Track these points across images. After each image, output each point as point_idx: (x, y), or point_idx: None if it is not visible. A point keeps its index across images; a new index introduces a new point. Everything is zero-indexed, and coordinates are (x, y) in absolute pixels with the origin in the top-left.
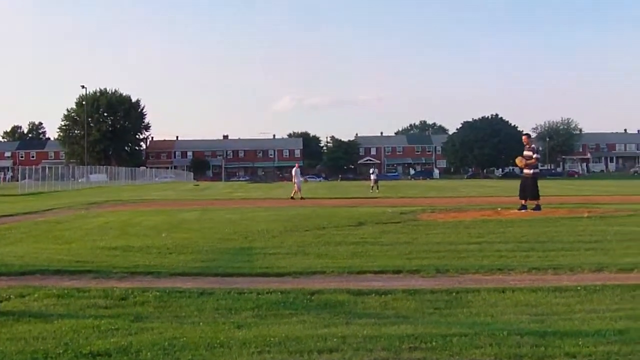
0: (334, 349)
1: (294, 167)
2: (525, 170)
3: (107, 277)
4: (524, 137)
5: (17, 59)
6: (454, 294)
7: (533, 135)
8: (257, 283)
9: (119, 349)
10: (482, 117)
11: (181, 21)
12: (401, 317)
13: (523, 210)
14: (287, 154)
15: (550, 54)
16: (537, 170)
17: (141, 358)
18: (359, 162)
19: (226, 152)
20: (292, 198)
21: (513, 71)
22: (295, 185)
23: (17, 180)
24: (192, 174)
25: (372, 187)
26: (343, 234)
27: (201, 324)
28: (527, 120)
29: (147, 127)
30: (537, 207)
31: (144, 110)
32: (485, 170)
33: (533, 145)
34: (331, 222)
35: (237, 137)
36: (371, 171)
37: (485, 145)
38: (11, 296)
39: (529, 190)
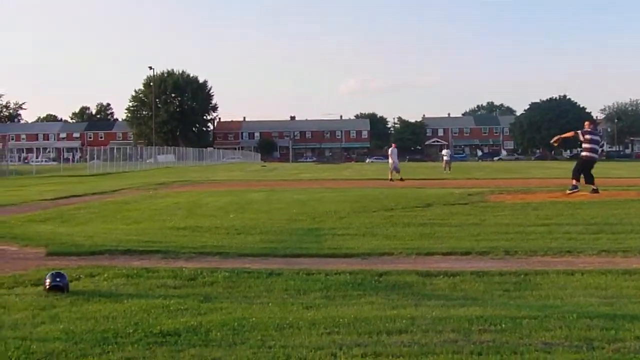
0: (403, 330)
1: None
2: (583, 153)
3: (176, 257)
4: (586, 123)
5: (86, 40)
6: (522, 276)
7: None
8: (326, 264)
9: (189, 329)
10: (550, 99)
11: (249, 1)
12: (470, 299)
13: (594, 193)
14: (355, 135)
15: (619, 34)
16: (590, 154)
17: (211, 338)
18: (426, 143)
19: (293, 133)
20: (390, 180)
21: (581, 52)
22: (391, 165)
23: (86, 161)
24: (259, 154)
25: (445, 167)
26: (411, 215)
27: (270, 304)
28: (595, 101)
29: (214, 108)
30: (574, 187)
31: (211, 91)
32: (553, 152)
33: (594, 133)
34: (399, 204)
35: (304, 118)
36: (444, 152)
37: (553, 127)
38: (81, 276)
39: (582, 172)
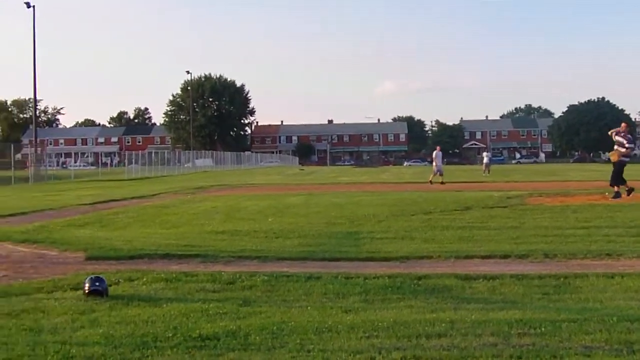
0: (442, 333)
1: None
2: (613, 157)
3: (215, 261)
4: (623, 124)
5: (123, 45)
6: (562, 279)
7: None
8: (364, 268)
9: (228, 333)
10: (588, 101)
11: (285, 5)
12: (509, 302)
13: (629, 195)
14: (392, 138)
15: None
16: (625, 158)
17: (250, 342)
18: (463, 146)
19: (331, 137)
20: (441, 183)
21: (619, 54)
22: (435, 168)
23: (124, 165)
24: (297, 158)
25: (485, 170)
26: (450, 219)
27: (309, 308)
28: (634, 103)
29: (252, 112)
30: (617, 195)
31: (248, 95)
32: (591, 154)
33: (629, 135)
34: (437, 207)
35: (341, 122)
36: (484, 154)
37: (592, 129)
38: (120, 280)
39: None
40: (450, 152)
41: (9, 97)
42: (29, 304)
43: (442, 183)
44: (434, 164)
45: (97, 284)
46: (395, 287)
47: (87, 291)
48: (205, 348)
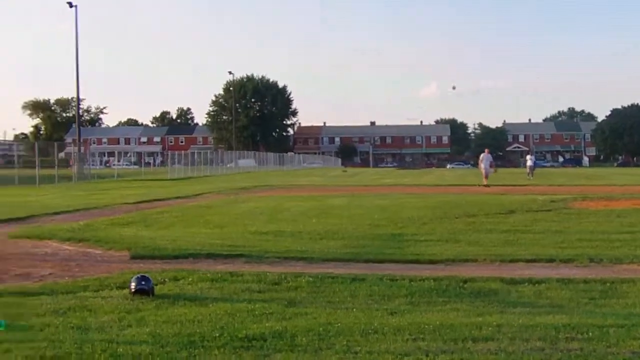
0: (489, 337)
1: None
2: None
3: (260, 261)
4: None
5: (166, 45)
6: (608, 284)
7: None
8: (409, 270)
9: (274, 334)
10: (632, 104)
11: (330, 5)
12: (556, 307)
13: None
14: (435, 140)
15: None
16: None
17: (296, 343)
18: (507, 149)
19: (373, 138)
20: (485, 186)
21: None
22: (484, 170)
23: (166, 165)
24: (339, 160)
25: (529, 173)
26: (493, 222)
27: (354, 310)
28: None
29: (294, 113)
30: None
31: (290, 96)
32: (635, 159)
33: None
34: (481, 210)
35: (384, 123)
36: (527, 157)
37: (635, 133)
38: (166, 280)
39: None
40: (494, 154)
41: (52, 96)
42: (75, 302)
43: (486, 186)
44: (481, 166)
45: (143, 283)
46: (440, 290)
47: (133, 290)
48: (252, 348)
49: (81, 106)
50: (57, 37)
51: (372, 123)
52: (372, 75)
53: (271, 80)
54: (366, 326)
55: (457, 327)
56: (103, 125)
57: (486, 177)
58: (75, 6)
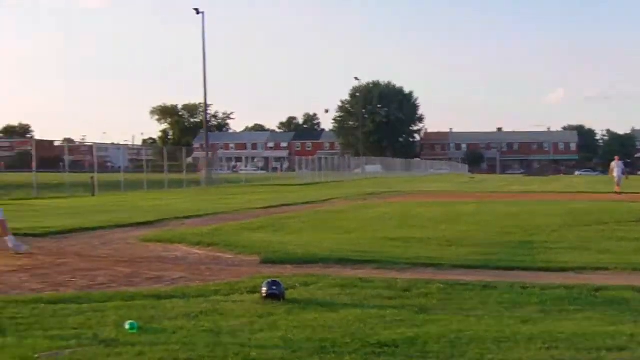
0: (623, 347)
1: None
2: None
3: (389, 267)
4: None
5: (292, 51)
6: None
7: None
8: (540, 277)
9: (406, 340)
10: None
11: (455, 12)
12: None
13: None
14: (563, 147)
15: None
16: None
17: (428, 350)
18: (635, 155)
19: (500, 145)
20: (617, 193)
21: None
22: (616, 178)
23: (293, 171)
24: (466, 166)
25: None
26: (625, 230)
27: (486, 317)
28: None
29: (420, 119)
30: None
31: (417, 102)
32: None
33: None
34: (612, 217)
35: (510, 129)
36: None
37: None
38: (296, 284)
39: None
40: (622, 162)
41: (180, 101)
42: (207, 305)
43: (618, 194)
44: (613, 174)
45: (274, 287)
46: (572, 298)
47: (264, 294)
48: (384, 355)
49: (209, 111)
50: (184, 43)
51: (499, 129)
52: (498, 80)
53: (397, 86)
54: (498, 334)
55: (590, 336)
56: (230, 131)
57: (618, 184)
58: (203, 12)
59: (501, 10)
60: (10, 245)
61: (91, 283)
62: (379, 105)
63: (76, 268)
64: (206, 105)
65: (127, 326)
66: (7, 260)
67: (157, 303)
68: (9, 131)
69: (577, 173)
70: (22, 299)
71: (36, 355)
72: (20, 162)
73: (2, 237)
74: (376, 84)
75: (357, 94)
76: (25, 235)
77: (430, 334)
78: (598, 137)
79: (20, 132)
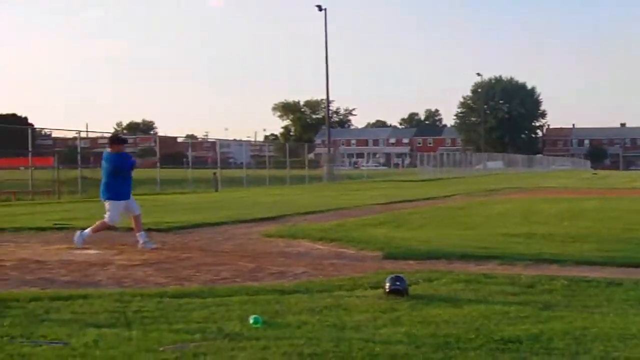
0: None
1: None
2: None
3: (512, 263)
4: None
5: (412, 47)
6: None
7: None
8: None
9: (530, 337)
10: None
11: (577, 10)
12: None
13: None
14: None
15: None
16: None
17: (552, 346)
18: None
19: (624, 141)
20: None
21: None
22: None
23: (414, 167)
24: (589, 162)
25: None
26: None
27: (611, 314)
28: None
29: (543, 115)
30: None
31: (539, 98)
32: None
33: None
34: None
35: (634, 125)
36: None
37: None
38: (420, 280)
39: None
40: None
41: (302, 98)
42: (330, 300)
43: None
44: None
45: (397, 283)
46: None
47: (387, 290)
48: (508, 351)
49: (330, 108)
50: (306, 39)
51: (623, 125)
52: (621, 75)
53: (520, 81)
54: (623, 331)
55: None
56: (352, 127)
57: None
58: (325, 9)
59: (625, 2)
60: (140, 240)
61: (215, 277)
62: (501, 101)
63: (200, 263)
64: (328, 102)
65: (251, 320)
66: (132, 254)
67: (281, 298)
68: (133, 128)
69: None
70: (147, 293)
71: (161, 348)
72: (143, 158)
73: (135, 232)
74: (498, 80)
75: (479, 90)
76: (149, 230)
77: (554, 330)
78: None
79: (144, 128)
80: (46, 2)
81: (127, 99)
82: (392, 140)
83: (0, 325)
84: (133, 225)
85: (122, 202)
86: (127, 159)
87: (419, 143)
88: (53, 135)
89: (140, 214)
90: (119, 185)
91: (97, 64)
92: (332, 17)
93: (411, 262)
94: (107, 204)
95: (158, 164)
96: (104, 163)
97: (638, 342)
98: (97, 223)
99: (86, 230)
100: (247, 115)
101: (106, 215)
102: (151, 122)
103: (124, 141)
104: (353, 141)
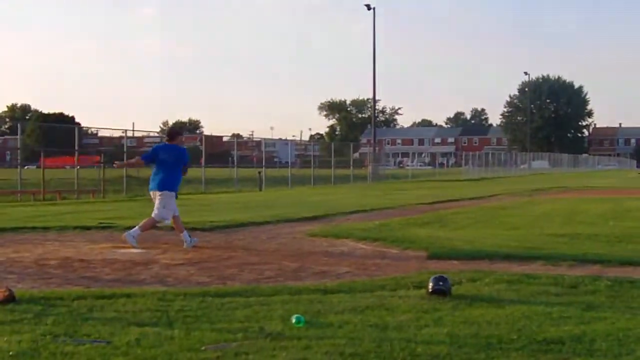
0: None
1: None
2: None
3: (556, 264)
4: None
5: (460, 45)
6: None
7: None
8: None
9: (572, 338)
10: None
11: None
12: None
13: None
14: None
15: None
16: None
17: (595, 348)
18: None
19: None
20: None
21: None
22: None
23: (460, 166)
24: (635, 162)
25: None
26: None
27: None
28: None
29: (589, 114)
30: None
31: (586, 97)
32: None
33: None
34: None
35: None
36: None
37: None
38: (463, 280)
39: None
40: None
41: (348, 97)
42: (373, 300)
43: None
44: None
45: (440, 283)
46: None
47: (430, 290)
48: (551, 352)
49: (377, 107)
50: (354, 38)
51: None
52: None
53: (567, 80)
54: None
55: None
56: (397, 126)
57: None
58: (373, 8)
59: None
60: (185, 241)
61: (258, 277)
62: (547, 100)
63: (243, 262)
64: (375, 101)
65: (293, 320)
66: (175, 253)
67: (324, 297)
68: (179, 127)
69: None
70: (189, 292)
71: (203, 348)
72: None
73: (178, 232)
74: (545, 79)
75: (526, 89)
76: (194, 229)
77: (597, 331)
78: None
79: (190, 127)
80: (94, 0)
81: (174, 98)
82: (438, 140)
83: (44, 323)
84: (174, 225)
85: (174, 195)
86: (186, 151)
87: (465, 142)
88: (99, 134)
89: (178, 215)
90: (177, 178)
91: (144, 63)
92: (380, 15)
93: (455, 262)
94: (160, 197)
95: (203, 163)
96: (162, 154)
97: None
98: (145, 221)
99: (134, 229)
100: (293, 115)
101: (156, 211)
102: (197, 121)
103: (182, 133)
104: (398, 140)
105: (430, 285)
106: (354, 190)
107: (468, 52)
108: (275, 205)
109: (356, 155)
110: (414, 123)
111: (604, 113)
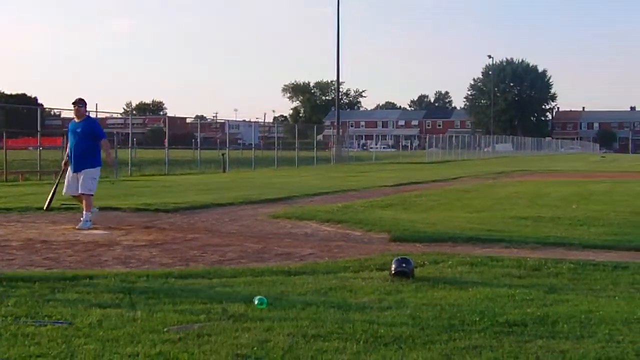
0: None
1: None
2: None
3: (519, 246)
4: None
5: (422, 29)
6: None
7: None
8: None
9: (535, 320)
10: None
11: None
12: None
13: None
14: None
15: None
16: None
17: (557, 330)
18: None
19: (633, 124)
20: None
21: None
22: None
23: (424, 149)
24: (598, 145)
25: None
26: None
27: (617, 298)
28: None
29: (553, 98)
30: None
31: (550, 81)
32: None
33: None
34: None
35: None
36: None
37: None
38: (425, 262)
39: None
40: None
41: (312, 79)
42: (336, 282)
43: None
44: None
45: (404, 265)
46: None
47: (393, 272)
48: (513, 334)
49: (341, 89)
50: (318, 20)
51: (632, 108)
52: (632, 59)
53: (531, 64)
54: (629, 315)
55: None
56: (361, 109)
57: None
58: None
59: None
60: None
61: (221, 258)
62: (511, 84)
63: (206, 243)
64: (338, 83)
65: (256, 301)
66: (138, 235)
67: (287, 279)
68: (142, 108)
69: None
70: (152, 273)
71: (166, 329)
72: (152, 139)
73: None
74: (509, 62)
75: (490, 72)
76: (157, 210)
77: (559, 313)
78: None
79: (153, 109)
80: None
81: (137, 80)
82: (401, 122)
83: (5, 305)
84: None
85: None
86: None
87: (428, 125)
88: (62, 115)
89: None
90: (98, 151)
91: (108, 44)
92: None
93: (418, 244)
94: (86, 173)
95: (166, 145)
96: (78, 129)
97: None
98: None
99: (83, 216)
100: (257, 97)
101: (83, 186)
102: (160, 102)
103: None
104: (362, 123)
105: (393, 267)
106: (317, 172)
107: (432, 35)
108: (239, 187)
109: (320, 137)
110: (378, 105)
111: (568, 97)
